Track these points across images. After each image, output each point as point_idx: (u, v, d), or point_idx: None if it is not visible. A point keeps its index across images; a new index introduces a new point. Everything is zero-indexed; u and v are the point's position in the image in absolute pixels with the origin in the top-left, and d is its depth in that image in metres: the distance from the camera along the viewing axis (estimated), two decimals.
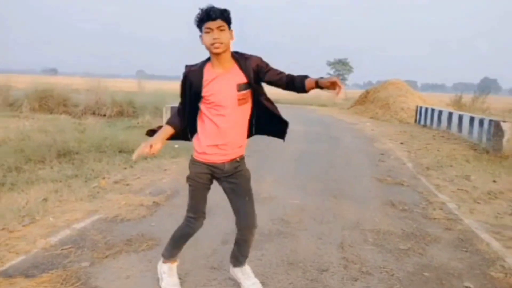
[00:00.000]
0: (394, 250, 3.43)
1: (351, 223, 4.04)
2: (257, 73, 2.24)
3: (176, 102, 3.03)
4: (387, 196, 5.07)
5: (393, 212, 4.47)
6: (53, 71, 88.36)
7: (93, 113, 14.06)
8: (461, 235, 3.84)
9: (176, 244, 2.58)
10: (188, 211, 2.46)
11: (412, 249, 3.45)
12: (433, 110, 13.91)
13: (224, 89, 2.21)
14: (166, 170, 5.99)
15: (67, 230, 3.57)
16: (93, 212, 4.06)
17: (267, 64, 2.28)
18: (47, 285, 2.64)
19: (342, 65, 48.07)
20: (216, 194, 2.58)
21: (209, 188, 2.43)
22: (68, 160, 6.31)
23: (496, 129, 8.61)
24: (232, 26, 2.18)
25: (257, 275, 2.73)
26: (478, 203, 4.94)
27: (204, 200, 2.44)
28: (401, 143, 10.02)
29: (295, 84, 2.20)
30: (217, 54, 2.16)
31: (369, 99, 20.16)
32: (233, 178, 2.37)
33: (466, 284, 2.88)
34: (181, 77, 2.30)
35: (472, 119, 10.39)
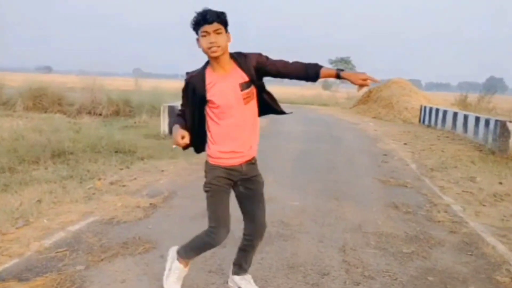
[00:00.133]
0: (397, 253, 3.37)
1: (353, 225, 3.98)
2: (259, 69, 2.22)
3: (173, 101, 2.95)
4: (390, 198, 4.99)
5: (396, 214, 4.39)
6: (47, 69, 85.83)
7: (89, 112, 13.96)
8: (466, 238, 3.77)
9: (193, 248, 2.46)
10: (209, 220, 2.35)
11: (415, 253, 3.39)
12: (437, 110, 13.79)
13: (228, 91, 2.20)
14: (163, 171, 5.93)
15: (62, 232, 3.53)
16: (88, 214, 4.01)
17: (267, 58, 2.24)
18: None
19: (344, 64, 48.00)
20: None
21: (228, 193, 2.35)
22: (62, 160, 6.26)
23: (502, 129, 8.47)
24: (229, 28, 2.17)
25: (256, 279, 2.70)
26: (483, 205, 4.85)
27: (225, 206, 2.32)
28: (405, 144, 9.92)
29: (308, 71, 2.18)
30: (215, 58, 2.15)
31: (372, 98, 19.96)
32: (250, 183, 2.35)
33: None
34: (179, 78, 2.24)
35: (477, 119, 10.28)
